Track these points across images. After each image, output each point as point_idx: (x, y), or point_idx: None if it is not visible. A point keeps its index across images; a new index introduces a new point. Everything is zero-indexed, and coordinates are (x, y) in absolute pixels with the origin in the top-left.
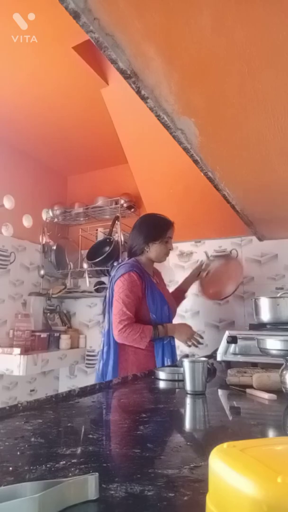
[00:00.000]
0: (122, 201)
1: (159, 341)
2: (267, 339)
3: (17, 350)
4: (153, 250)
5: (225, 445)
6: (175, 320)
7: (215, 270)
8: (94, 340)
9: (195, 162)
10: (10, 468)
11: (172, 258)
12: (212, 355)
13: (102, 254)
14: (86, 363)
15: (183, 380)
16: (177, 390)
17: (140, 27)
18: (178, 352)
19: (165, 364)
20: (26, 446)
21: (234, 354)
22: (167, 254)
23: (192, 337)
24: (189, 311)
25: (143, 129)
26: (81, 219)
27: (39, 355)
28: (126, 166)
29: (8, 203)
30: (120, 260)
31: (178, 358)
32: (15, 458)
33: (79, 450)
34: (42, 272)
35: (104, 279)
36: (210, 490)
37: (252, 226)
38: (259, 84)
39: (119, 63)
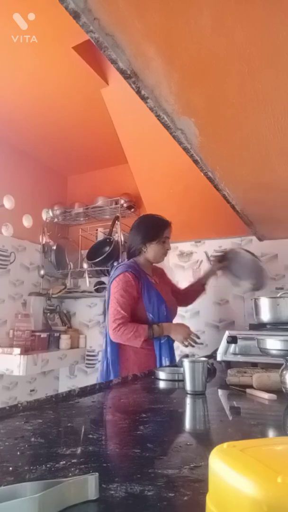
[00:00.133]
0: (122, 201)
1: (156, 341)
2: (267, 339)
3: (17, 350)
4: (150, 250)
5: (225, 445)
6: (176, 320)
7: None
8: (94, 340)
9: (195, 162)
10: (10, 468)
11: (172, 258)
12: (212, 355)
13: (102, 254)
14: (86, 363)
15: (183, 380)
16: (177, 390)
17: (140, 27)
18: (178, 352)
19: (163, 363)
20: (26, 446)
21: (234, 354)
22: (165, 254)
23: (188, 337)
24: (189, 311)
25: (143, 129)
26: (81, 219)
27: (39, 355)
28: (126, 166)
29: (8, 203)
30: (120, 260)
31: (178, 358)
32: (15, 458)
33: (79, 450)
34: (42, 272)
35: (104, 279)
36: (210, 490)
37: (252, 226)
38: (259, 84)
39: (119, 63)
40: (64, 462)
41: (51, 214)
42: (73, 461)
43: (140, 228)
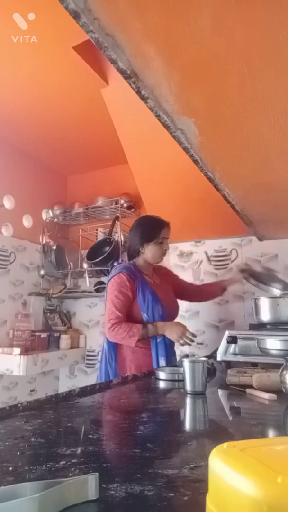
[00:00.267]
0: (122, 201)
1: (153, 340)
2: (267, 339)
3: (17, 350)
4: (148, 251)
5: (225, 445)
6: (176, 320)
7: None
8: (94, 340)
9: (195, 162)
10: (10, 468)
11: (172, 258)
12: (212, 355)
13: (102, 254)
14: (86, 363)
15: (183, 380)
16: (177, 390)
17: (140, 27)
18: (178, 352)
19: (160, 362)
20: (26, 446)
21: (234, 354)
22: (163, 254)
23: (183, 335)
24: (189, 311)
25: (143, 129)
26: (81, 219)
27: (39, 355)
28: (126, 166)
29: (8, 203)
30: (120, 260)
31: (178, 358)
32: (15, 458)
33: (79, 450)
34: (42, 272)
35: (104, 279)
36: (210, 490)
37: (252, 226)
38: (259, 84)
39: (119, 63)
40: (64, 462)
41: (51, 214)
42: (73, 461)
43: (137, 230)
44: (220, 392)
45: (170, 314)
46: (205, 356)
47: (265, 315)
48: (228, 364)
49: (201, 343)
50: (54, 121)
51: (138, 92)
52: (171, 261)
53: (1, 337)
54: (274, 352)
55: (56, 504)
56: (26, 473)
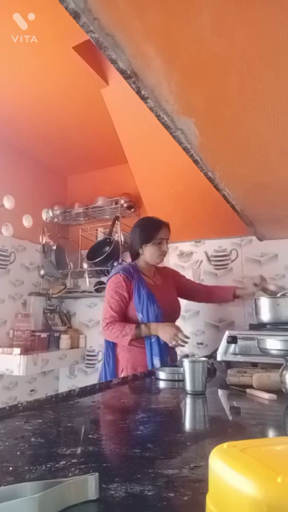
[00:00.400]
0: (122, 201)
1: (147, 340)
2: (267, 339)
3: (17, 350)
4: (146, 252)
5: (225, 445)
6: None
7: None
8: (94, 340)
9: (195, 162)
10: (10, 468)
11: (172, 258)
12: (212, 355)
13: (102, 254)
14: (86, 363)
15: (183, 380)
16: (177, 390)
17: (140, 27)
18: (178, 352)
19: (154, 362)
20: (26, 446)
21: (234, 354)
22: (162, 255)
23: (175, 337)
24: (189, 311)
25: (143, 129)
26: (81, 219)
27: (39, 355)
28: (126, 166)
29: (8, 203)
30: (120, 260)
31: (178, 358)
32: (15, 458)
33: (79, 450)
34: (42, 272)
35: (104, 279)
36: (210, 490)
37: (252, 226)
38: (259, 84)
39: (119, 63)
40: (64, 462)
41: (51, 214)
42: (73, 461)
43: (136, 231)
44: (220, 392)
45: (167, 314)
46: (205, 356)
47: (265, 315)
48: (228, 364)
49: (201, 343)
50: (54, 121)
51: (138, 92)
52: (171, 261)
53: (1, 337)
54: (274, 352)
55: (56, 504)
56: (26, 473)
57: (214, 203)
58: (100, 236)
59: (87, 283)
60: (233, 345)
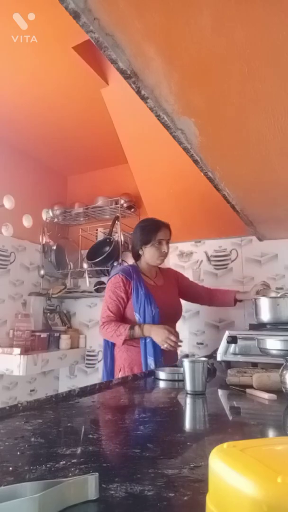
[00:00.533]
0: (122, 201)
1: (142, 340)
2: (267, 339)
3: (17, 350)
4: (146, 253)
5: (225, 445)
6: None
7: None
8: (94, 340)
9: (195, 162)
10: (10, 468)
11: (172, 258)
12: (212, 355)
13: (102, 254)
14: (86, 363)
15: (183, 380)
16: (177, 390)
17: (140, 27)
18: (178, 352)
19: (148, 362)
20: (26, 446)
21: (234, 354)
22: (162, 255)
23: (167, 339)
24: (189, 311)
25: (143, 129)
26: (81, 219)
27: (39, 355)
28: (126, 166)
29: (8, 203)
30: (120, 260)
31: (179, 358)
32: (15, 458)
33: (79, 450)
34: (42, 272)
35: (104, 279)
36: (210, 490)
37: (252, 226)
38: (259, 84)
39: (119, 63)
40: (64, 462)
41: (51, 214)
42: (73, 461)
43: (136, 232)
44: (220, 392)
45: (166, 315)
46: (205, 356)
47: (265, 315)
48: (228, 364)
49: (201, 343)
50: (54, 121)
51: (138, 92)
52: (171, 261)
53: (1, 337)
54: (274, 352)
55: (56, 504)
56: (26, 473)
57: (214, 203)
58: (100, 236)
59: (87, 283)
60: (233, 345)
